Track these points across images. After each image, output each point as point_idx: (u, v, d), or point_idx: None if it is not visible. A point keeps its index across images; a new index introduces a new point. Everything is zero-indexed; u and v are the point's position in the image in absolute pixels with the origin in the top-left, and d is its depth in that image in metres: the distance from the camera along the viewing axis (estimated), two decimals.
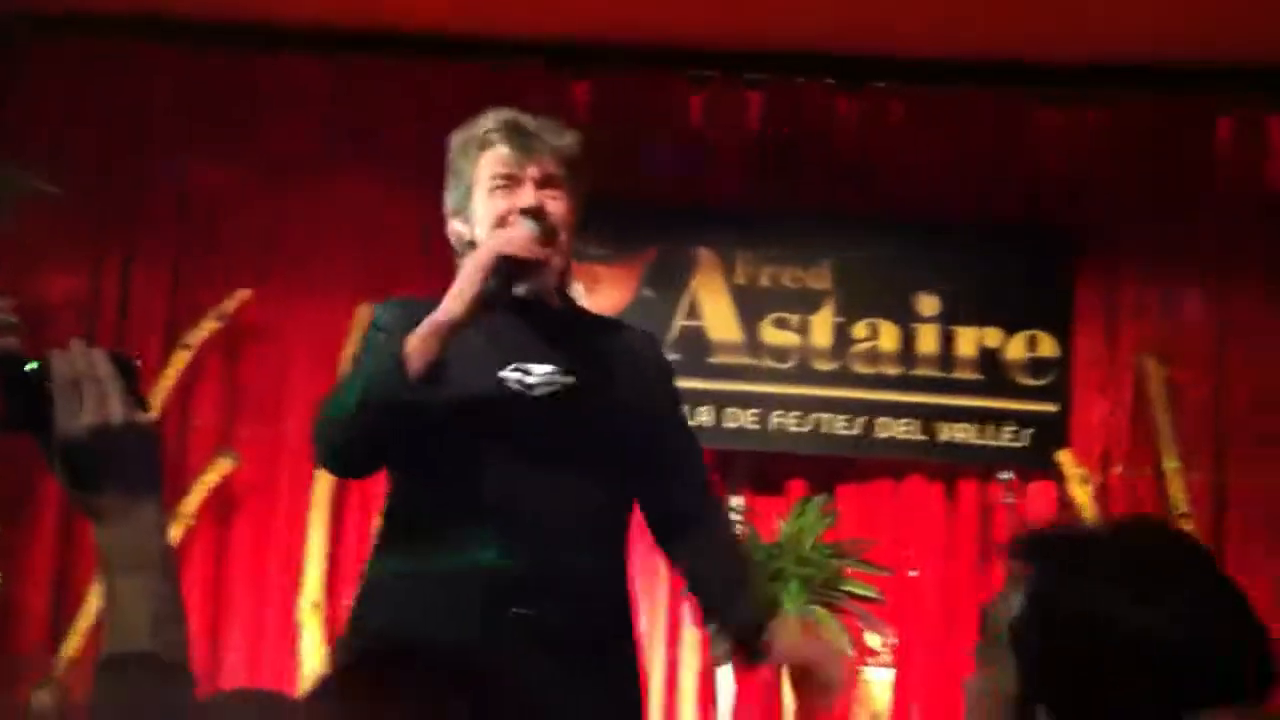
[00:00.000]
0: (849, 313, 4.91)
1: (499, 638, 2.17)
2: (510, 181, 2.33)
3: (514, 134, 2.35)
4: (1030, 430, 4.85)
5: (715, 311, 4.92)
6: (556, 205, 2.32)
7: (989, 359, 4.88)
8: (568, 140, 2.38)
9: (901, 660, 4.75)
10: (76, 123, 5.05)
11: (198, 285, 4.99)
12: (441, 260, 5.07)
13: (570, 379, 2.30)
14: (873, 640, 4.72)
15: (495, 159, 2.34)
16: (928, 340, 4.89)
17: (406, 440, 2.25)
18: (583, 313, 2.50)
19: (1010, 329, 4.89)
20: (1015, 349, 4.88)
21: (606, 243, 4.85)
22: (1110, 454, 4.89)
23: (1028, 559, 1.33)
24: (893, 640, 4.73)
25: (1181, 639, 1.24)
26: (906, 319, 4.90)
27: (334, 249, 4.99)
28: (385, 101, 5.06)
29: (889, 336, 4.90)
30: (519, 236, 2.25)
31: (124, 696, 1.17)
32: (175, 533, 4.60)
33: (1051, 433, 4.84)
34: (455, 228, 2.40)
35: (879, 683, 4.72)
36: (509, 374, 2.29)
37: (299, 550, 4.82)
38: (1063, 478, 4.80)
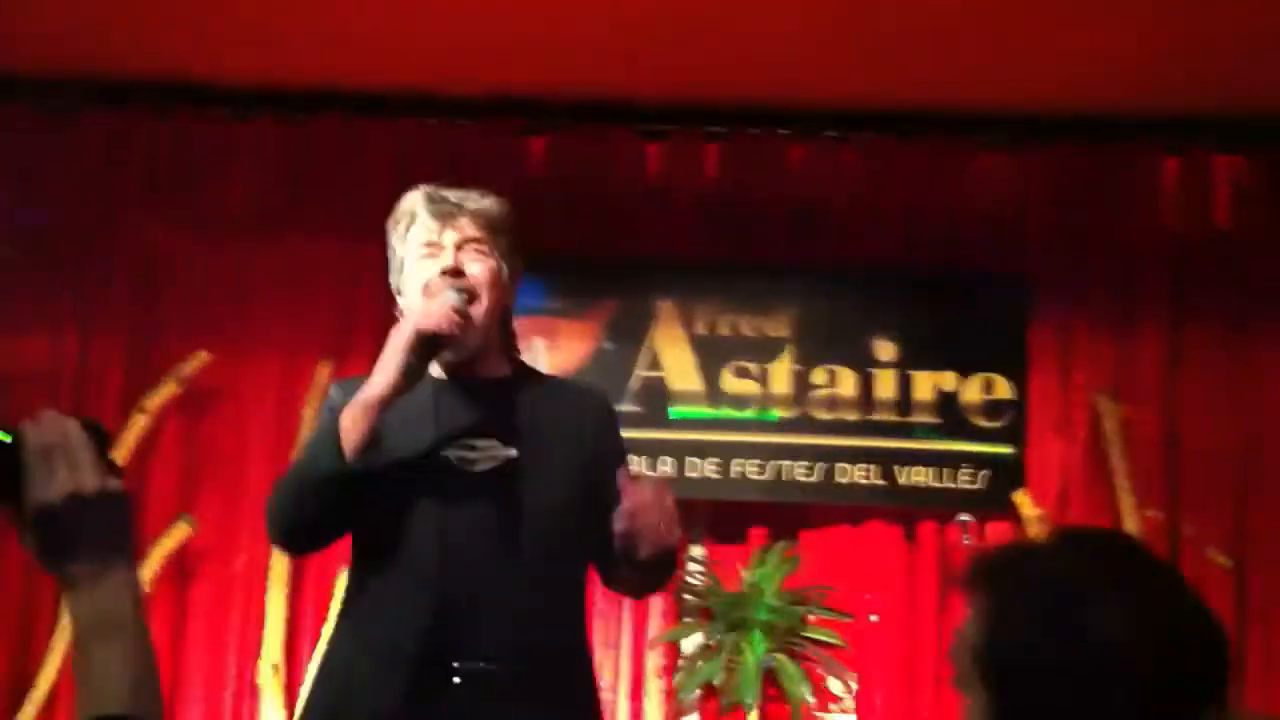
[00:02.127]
0: (807, 360, 4.96)
1: (441, 702, 2.22)
2: (433, 248, 2.42)
3: (433, 203, 2.44)
4: (987, 472, 4.89)
5: (676, 361, 4.94)
6: (477, 265, 2.41)
7: (946, 402, 4.92)
8: (487, 204, 2.47)
9: (864, 705, 4.76)
10: (31, 187, 5.03)
11: (155, 348, 4.97)
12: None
13: (511, 452, 2.35)
14: (835, 686, 4.73)
15: (419, 229, 2.44)
16: (885, 385, 4.94)
17: (351, 516, 2.33)
18: (528, 376, 2.52)
19: (966, 372, 4.94)
20: (971, 392, 4.93)
21: (566, 297, 4.87)
22: (1067, 494, 4.93)
23: (980, 585, 1.33)
24: (855, 686, 4.74)
25: (1149, 640, 1.24)
26: (864, 364, 4.94)
27: (293, 309, 4.98)
28: (344, 160, 5.07)
29: (847, 382, 4.94)
30: (437, 311, 2.31)
31: None
32: None
33: (1008, 474, 4.88)
34: (400, 305, 2.49)
35: None
36: (451, 451, 2.34)
37: (258, 613, 4.78)
38: (1020, 519, 4.84)
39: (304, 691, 2.42)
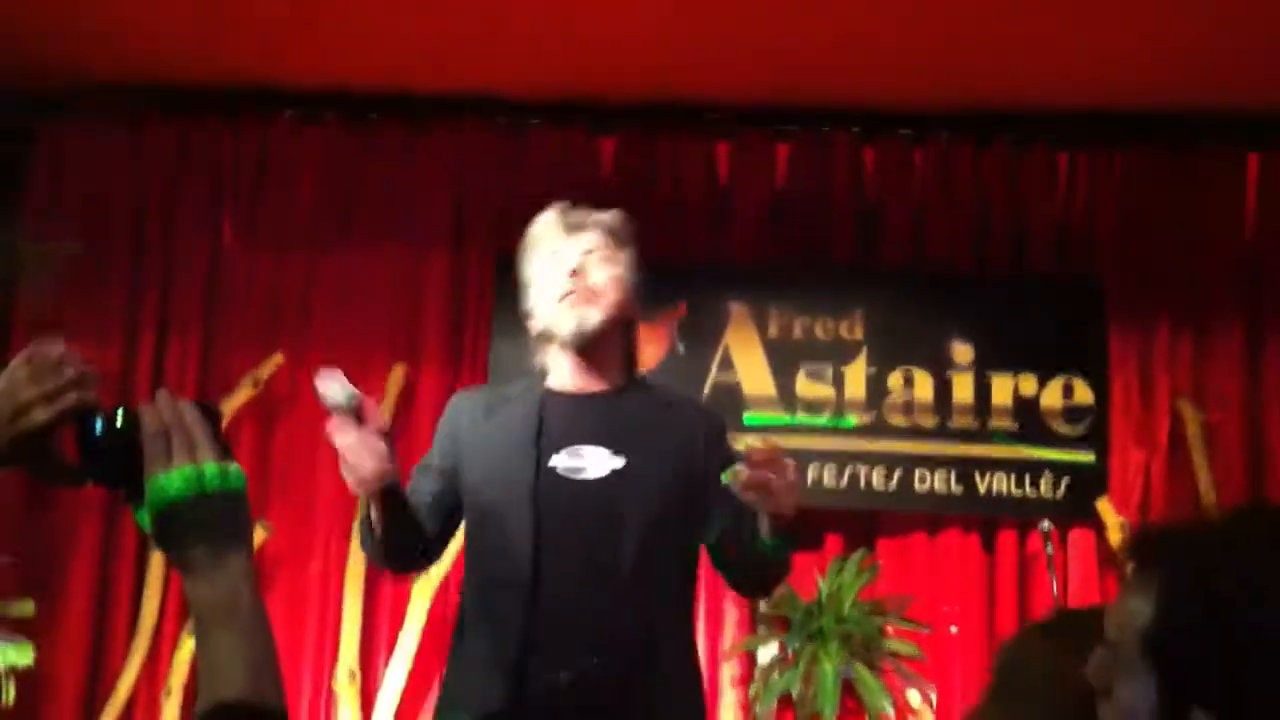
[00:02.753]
0: (882, 363, 4.89)
1: (548, 707, 2.31)
2: (557, 257, 2.54)
3: (558, 223, 2.57)
4: (1068, 479, 4.80)
5: (749, 365, 4.89)
6: (601, 272, 2.52)
7: (1024, 407, 4.84)
8: (611, 218, 2.58)
9: (942, 717, 4.67)
10: (107, 196, 5.07)
11: (230, 353, 5.00)
12: (473, 321, 5.11)
13: (619, 462, 2.44)
14: (914, 698, 4.65)
15: (545, 245, 2.56)
16: (963, 389, 4.86)
17: (438, 534, 2.51)
18: (642, 388, 2.62)
19: (1045, 376, 4.85)
20: (1051, 396, 4.84)
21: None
22: (1149, 501, 4.83)
23: (1153, 561, 1.27)
24: (934, 697, 4.66)
25: None
26: (941, 367, 4.87)
27: (367, 313, 4.99)
28: (413, 164, 5.08)
29: (923, 386, 4.86)
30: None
31: None
32: None
33: (1089, 481, 4.79)
34: (531, 324, 2.61)
35: None
36: (560, 459, 2.45)
37: (334, 619, 4.79)
38: (1102, 526, 4.74)
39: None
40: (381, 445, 2.29)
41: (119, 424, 1.26)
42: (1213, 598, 1.21)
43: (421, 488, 2.54)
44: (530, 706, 2.32)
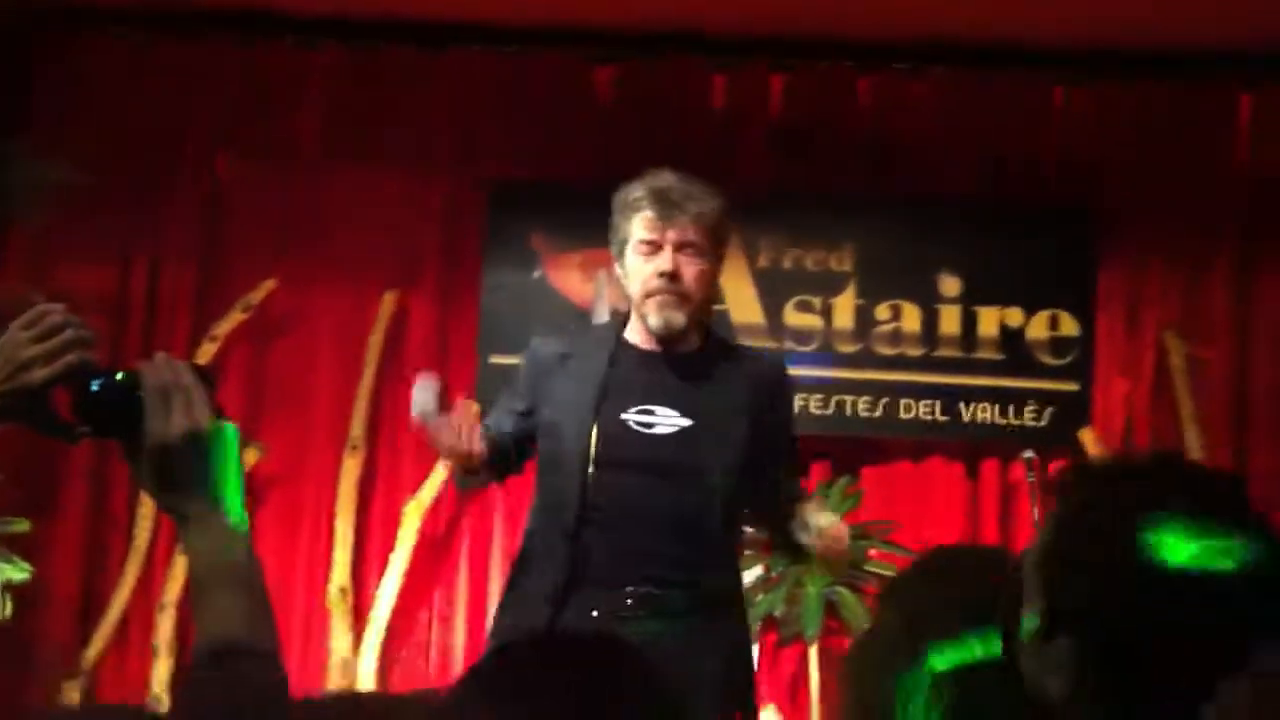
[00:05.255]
0: (871, 294, 4.93)
1: (621, 611, 2.59)
2: (652, 247, 2.69)
3: (659, 201, 2.69)
4: (1052, 409, 4.86)
5: (738, 296, 4.93)
6: (692, 268, 2.69)
7: (1010, 338, 4.89)
8: (709, 206, 2.73)
9: None
10: (103, 118, 5.06)
11: (224, 277, 5.02)
12: (469, 248, 5.13)
13: (689, 421, 2.68)
14: None
15: (642, 222, 2.70)
16: (950, 321, 4.90)
17: (521, 456, 2.81)
18: (716, 349, 2.82)
19: (1031, 308, 4.90)
20: (1037, 328, 4.89)
21: None
22: (1132, 431, 4.89)
23: (1057, 494, 1.31)
24: None
25: (1235, 567, 1.19)
26: (929, 300, 4.91)
27: (360, 238, 5.01)
28: (409, 90, 5.07)
29: (911, 317, 4.91)
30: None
31: (222, 687, 1.22)
32: None
33: (1073, 411, 4.85)
34: (616, 271, 2.82)
35: None
36: (631, 415, 2.69)
37: (326, 538, 4.86)
38: (1085, 456, 4.80)
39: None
40: (467, 433, 2.57)
41: (120, 381, 1.31)
42: (1090, 530, 1.23)
43: (504, 425, 2.77)
44: (563, 638, 2.55)
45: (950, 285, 4.92)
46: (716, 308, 4.89)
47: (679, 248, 2.68)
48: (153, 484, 1.31)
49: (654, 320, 2.71)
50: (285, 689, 1.25)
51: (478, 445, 2.58)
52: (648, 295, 2.69)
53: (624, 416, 2.68)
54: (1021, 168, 5.04)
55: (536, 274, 4.90)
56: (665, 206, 2.68)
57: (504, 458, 2.74)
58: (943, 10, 4.72)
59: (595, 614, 2.57)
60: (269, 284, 4.95)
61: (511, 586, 2.78)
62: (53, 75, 5.10)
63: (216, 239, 5.07)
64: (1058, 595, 1.23)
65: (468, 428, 2.57)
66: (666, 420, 2.69)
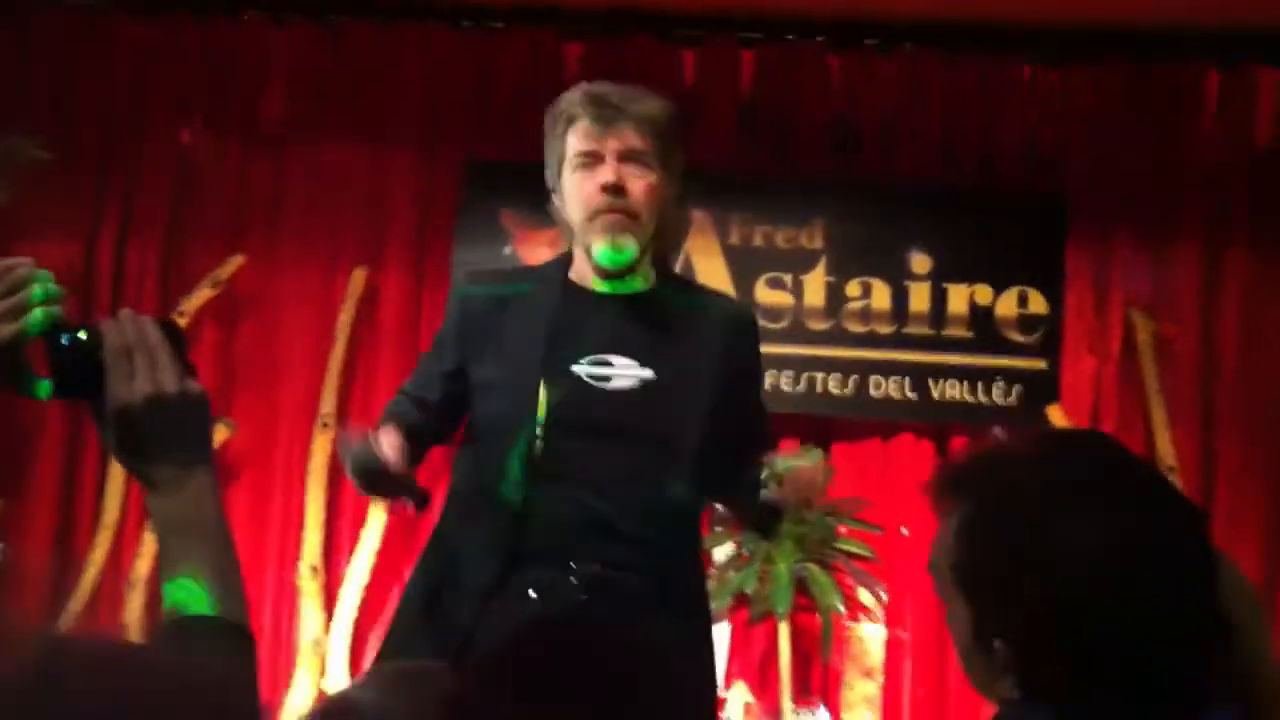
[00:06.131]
0: (841, 272, 4.94)
1: (566, 594, 2.20)
2: (591, 159, 2.32)
3: (594, 106, 2.32)
4: (1020, 387, 4.88)
5: (709, 272, 4.93)
6: (638, 182, 2.31)
7: (980, 316, 4.91)
8: (651, 108, 2.33)
9: (893, 615, 4.80)
10: (70, 92, 5.03)
11: (192, 253, 5.00)
12: (438, 226, 5.11)
13: (647, 373, 2.30)
14: (865, 597, 4.78)
15: (578, 134, 2.32)
16: (919, 298, 4.92)
17: (451, 418, 2.39)
18: (674, 288, 2.45)
19: (1000, 286, 4.92)
20: (1005, 306, 4.91)
21: None
22: (1099, 409, 4.92)
23: (954, 494, 1.26)
24: (885, 596, 4.78)
25: (1121, 548, 1.17)
26: (899, 277, 4.92)
27: (329, 214, 5.00)
28: (377, 66, 5.05)
29: (881, 295, 4.92)
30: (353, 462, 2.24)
31: (188, 659, 1.17)
32: None
33: (1041, 389, 4.87)
34: (554, 203, 2.41)
35: (872, 638, 4.77)
36: (584, 368, 2.29)
37: (297, 516, 4.85)
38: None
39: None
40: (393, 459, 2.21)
41: (81, 340, 1.26)
42: (1008, 521, 1.20)
43: (430, 392, 2.40)
44: (500, 625, 2.15)
45: (920, 263, 4.94)
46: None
47: (623, 158, 2.29)
48: (117, 448, 1.26)
49: (598, 245, 2.30)
50: (253, 660, 1.21)
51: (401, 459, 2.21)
52: (590, 218, 2.29)
53: (575, 369, 2.28)
54: (991, 147, 5.05)
55: (507, 250, 4.90)
56: (602, 110, 2.29)
57: (425, 441, 2.36)
58: None
59: (532, 595, 2.19)
60: (238, 260, 4.93)
61: (424, 575, 2.36)
62: (15, 50, 5.05)
63: (183, 214, 5.04)
64: (981, 604, 1.21)
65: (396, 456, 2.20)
66: (626, 372, 2.28)
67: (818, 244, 4.97)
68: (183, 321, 4.83)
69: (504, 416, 2.29)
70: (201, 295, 4.89)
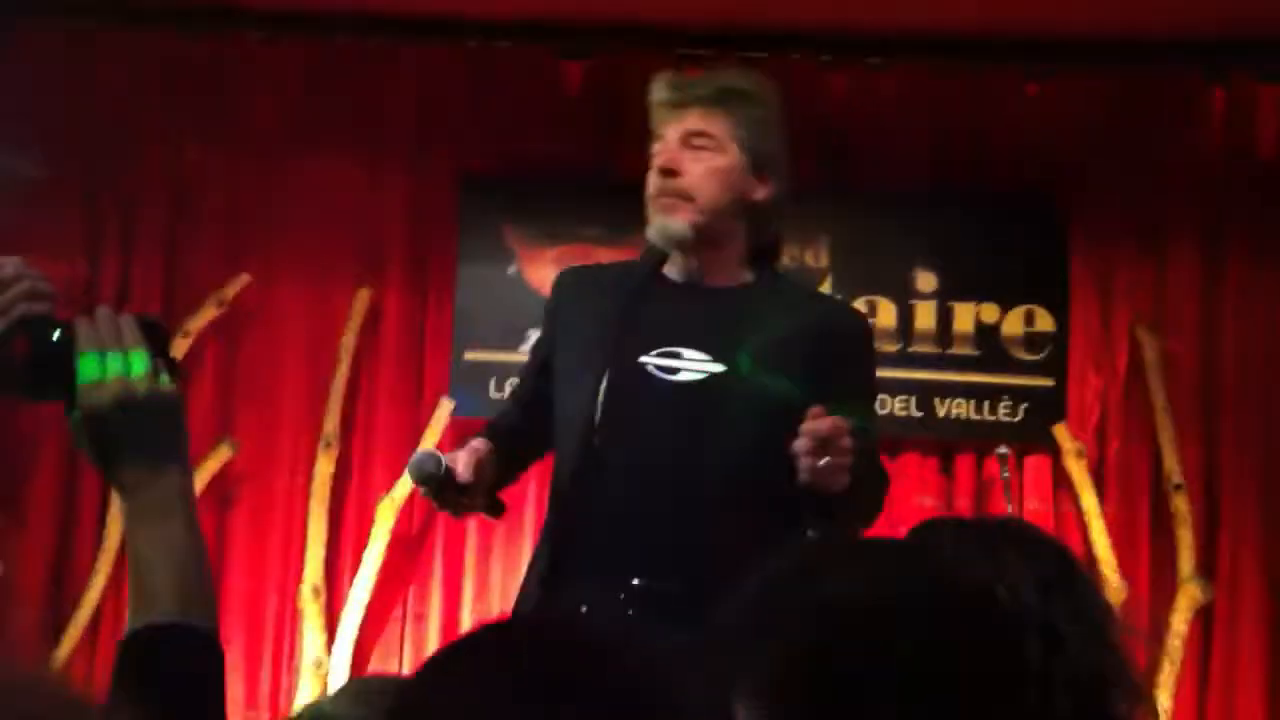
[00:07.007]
0: (847, 290, 4.92)
1: (613, 610, 2.06)
2: (660, 143, 2.24)
3: (664, 90, 2.26)
4: (1026, 405, 4.86)
5: None
6: (697, 164, 2.20)
7: (985, 334, 4.89)
8: (724, 83, 2.25)
9: None
10: (72, 110, 5.01)
11: (196, 271, 4.98)
12: (438, 243, 5.10)
13: (716, 367, 2.16)
14: None
15: (654, 120, 2.27)
16: (925, 316, 4.90)
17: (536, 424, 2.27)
18: (772, 287, 2.29)
19: (1007, 304, 4.90)
20: (1011, 324, 4.89)
21: (601, 223, 4.83)
22: (1106, 427, 4.90)
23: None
24: None
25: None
26: (904, 296, 4.90)
27: (333, 233, 4.97)
28: (379, 85, 5.04)
29: (886, 313, 4.90)
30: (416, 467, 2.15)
31: (152, 667, 1.16)
32: None
33: (1047, 407, 4.85)
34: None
35: None
36: (652, 359, 2.17)
37: (299, 536, 4.82)
38: (1059, 451, 4.81)
39: None
40: (472, 476, 2.12)
41: (54, 338, 1.23)
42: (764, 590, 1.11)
43: (525, 393, 2.35)
44: (606, 610, 2.05)
45: (926, 281, 4.92)
46: None
47: (685, 139, 2.20)
48: (87, 450, 1.23)
49: (651, 231, 2.21)
50: (220, 668, 1.18)
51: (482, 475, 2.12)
52: (650, 203, 2.22)
53: (644, 359, 2.16)
54: (994, 163, 5.04)
55: (511, 270, 4.87)
56: (671, 93, 2.23)
57: (528, 445, 2.27)
58: (913, 3, 4.71)
59: (584, 610, 2.00)
60: (243, 278, 4.91)
61: (529, 568, 2.30)
62: (7, 68, 5.02)
63: (188, 232, 5.02)
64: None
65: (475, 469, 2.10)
66: (694, 365, 2.15)
67: (823, 262, 4.95)
68: (187, 341, 4.81)
69: (569, 406, 2.20)
70: (206, 314, 4.87)
